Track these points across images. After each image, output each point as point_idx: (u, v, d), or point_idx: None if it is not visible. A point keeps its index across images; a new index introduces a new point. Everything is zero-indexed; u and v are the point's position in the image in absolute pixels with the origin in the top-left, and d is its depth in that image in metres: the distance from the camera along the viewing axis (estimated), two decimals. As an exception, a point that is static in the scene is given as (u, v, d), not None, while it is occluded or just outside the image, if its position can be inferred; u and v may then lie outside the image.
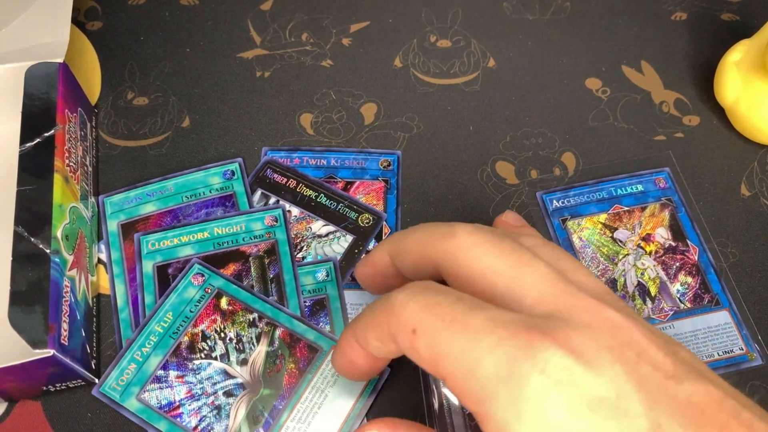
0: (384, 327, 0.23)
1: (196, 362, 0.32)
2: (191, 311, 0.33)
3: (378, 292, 0.30)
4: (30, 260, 0.30)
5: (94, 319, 0.33)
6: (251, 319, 0.33)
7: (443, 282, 0.24)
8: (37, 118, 0.34)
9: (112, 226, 0.36)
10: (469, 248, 0.24)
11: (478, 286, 0.23)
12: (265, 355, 0.32)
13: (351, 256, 0.36)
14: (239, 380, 0.32)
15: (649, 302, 0.34)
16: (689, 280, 0.35)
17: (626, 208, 0.37)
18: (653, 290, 0.35)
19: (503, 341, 0.20)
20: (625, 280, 0.35)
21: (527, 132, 0.40)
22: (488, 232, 0.24)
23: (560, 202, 0.37)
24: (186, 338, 0.33)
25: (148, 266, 0.35)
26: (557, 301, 0.22)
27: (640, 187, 0.38)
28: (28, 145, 0.33)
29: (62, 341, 0.29)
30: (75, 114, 0.36)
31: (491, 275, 0.23)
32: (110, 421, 0.31)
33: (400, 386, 0.32)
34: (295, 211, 0.37)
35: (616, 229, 0.36)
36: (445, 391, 0.28)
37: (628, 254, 0.36)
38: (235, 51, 0.44)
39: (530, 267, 0.23)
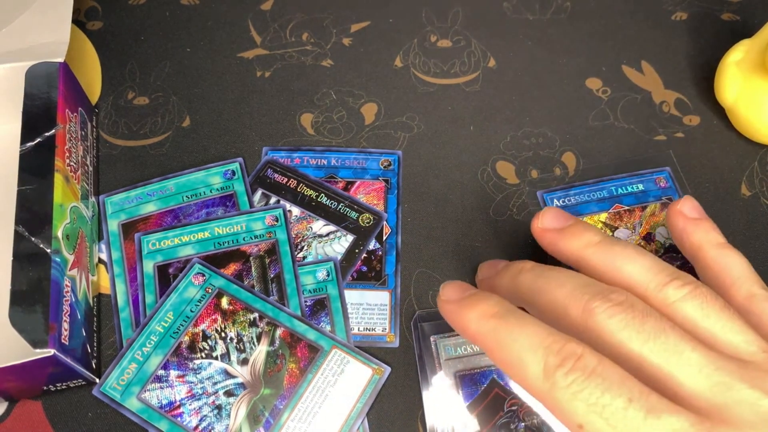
0: (536, 393, 0.23)
1: (197, 362, 0.32)
2: (192, 311, 0.33)
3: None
4: (30, 260, 0.30)
5: (95, 319, 0.33)
6: (252, 319, 0.33)
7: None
8: (37, 117, 0.34)
9: (113, 225, 0.36)
10: (612, 333, 0.23)
11: (626, 366, 0.23)
12: (265, 354, 0.32)
13: (351, 255, 0.36)
14: (240, 380, 0.32)
15: (649, 302, 0.34)
16: (690, 279, 0.35)
17: (627, 208, 0.37)
18: (654, 290, 0.35)
19: None
20: (625, 280, 0.35)
21: (527, 132, 0.40)
22: (629, 308, 0.23)
23: (561, 201, 0.37)
24: (186, 338, 0.32)
25: (149, 266, 0.35)
26: (713, 396, 0.22)
27: (640, 187, 0.38)
28: (29, 144, 0.33)
29: (63, 341, 0.29)
30: (75, 114, 0.36)
31: (638, 361, 0.23)
32: (111, 421, 0.31)
33: (400, 386, 0.32)
34: (296, 210, 0.37)
35: (616, 228, 0.37)
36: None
37: (628, 254, 0.36)
38: (235, 51, 0.44)
39: (678, 356, 0.22)
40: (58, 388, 0.31)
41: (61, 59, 0.36)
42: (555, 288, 0.25)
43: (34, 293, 0.29)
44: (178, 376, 0.32)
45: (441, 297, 0.27)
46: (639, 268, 0.26)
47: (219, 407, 0.31)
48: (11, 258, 0.30)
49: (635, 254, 0.26)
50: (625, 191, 0.38)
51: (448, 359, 0.32)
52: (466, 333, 0.25)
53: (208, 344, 0.32)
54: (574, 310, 0.24)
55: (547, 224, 0.29)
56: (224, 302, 0.33)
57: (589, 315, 0.24)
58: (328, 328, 0.33)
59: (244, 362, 0.32)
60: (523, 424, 0.31)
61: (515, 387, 0.32)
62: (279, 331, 0.33)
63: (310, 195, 0.37)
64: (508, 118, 0.41)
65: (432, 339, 0.33)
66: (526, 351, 0.23)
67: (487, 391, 0.32)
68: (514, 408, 0.31)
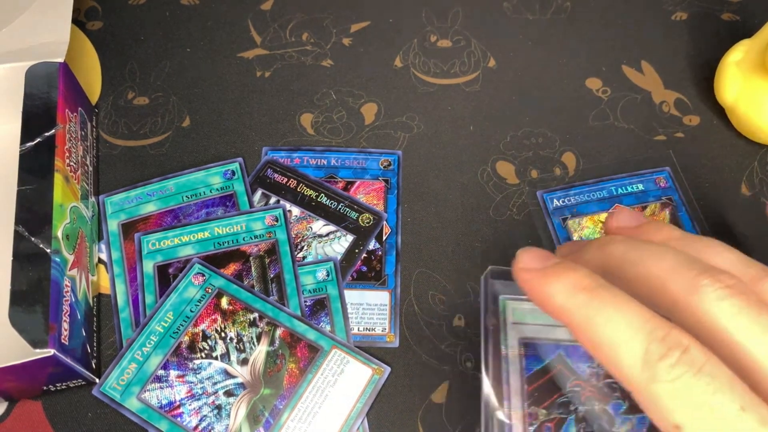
0: (626, 377, 0.20)
1: (197, 362, 0.32)
2: (192, 311, 0.33)
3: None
4: (30, 260, 0.30)
5: (95, 319, 0.33)
6: (252, 319, 0.33)
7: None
8: (37, 117, 0.34)
9: (113, 225, 0.36)
10: (718, 317, 0.20)
11: (720, 355, 0.20)
12: (265, 354, 0.32)
13: (351, 255, 0.36)
14: (240, 380, 0.32)
15: (649, 302, 0.34)
16: (690, 279, 0.35)
17: (627, 208, 0.37)
18: (654, 290, 0.35)
19: None
20: (625, 280, 0.35)
21: (527, 132, 0.40)
22: (742, 294, 0.20)
23: (561, 201, 0.37)
24: (186, 338, 0.33)
25: (149, 266, 0.35)
26: None
27: (640, 187, 0.38)
28: (29, 144, 0.33)
29: (63, 341, 0.29)
30: (75, 114, 0.36)
31: (740, 354, 0.20)
32: (111, 421, 0.31)
33: (400, 386, 0.32)
34: (296, 210, 0.37)
35: (616, 228, 0.36)
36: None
37: (628, 254, 0.36)
38: (235, 51, 0.44)
39: None
40: (58, 388, 0.31)
41: (61, 59, 0.36)
42: (653, 260, 0.22)
43: (34, 293, 0.29)
44: (178, 376, 0.32)
45: (518, 264, 0.23)
46: (728, 262, 0.23)
47: (219, 407, 0.31)
48: (11, 258, 0.30)
49: (722, 248, 0.24)
50: (625, 191, 0.38)
51: (516, 323, 0.30)
52: (548, 306, 0.22)
53: (208, 344, 0.32)
54: (677, 284, 0.21)
55: (623, 222, 0.26)
56: (224, 302, 0.33)
57: (695, 292, 0.21)
58: (328, 328, 0.33)
59: (244, 362, 0.32)
60: (583, 407, 0.29)
61: (581, 369, 0.30)
62: (279, 331, 0.33)
63: (310, 195, 0.37)
64: (508, 118, 0.41)
65: (501, 298, 0.30)
66: (622, 333, 0.20)
67: (550, 366, 0.29)
68: (576, 389, 0.29)
